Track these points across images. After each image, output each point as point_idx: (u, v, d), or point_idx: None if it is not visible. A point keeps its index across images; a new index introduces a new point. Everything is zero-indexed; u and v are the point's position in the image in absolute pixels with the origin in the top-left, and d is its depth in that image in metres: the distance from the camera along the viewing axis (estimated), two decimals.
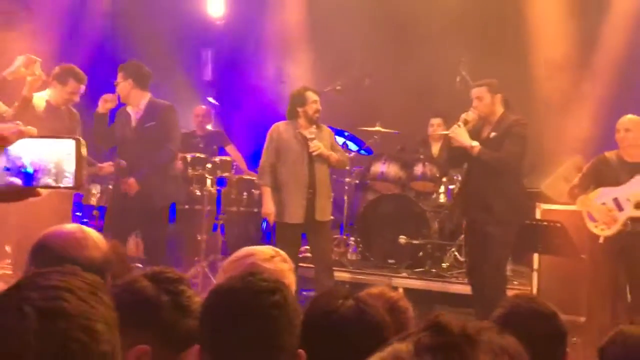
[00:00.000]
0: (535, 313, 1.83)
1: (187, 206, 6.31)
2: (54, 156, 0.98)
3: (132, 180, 4.75)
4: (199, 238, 6.06)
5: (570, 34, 6.32)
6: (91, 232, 1.76)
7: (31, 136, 0.96)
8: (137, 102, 4.90)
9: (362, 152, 6.76)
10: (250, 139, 7.48)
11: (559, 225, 4.40)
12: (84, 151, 1.00)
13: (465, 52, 6.42)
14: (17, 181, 0.97)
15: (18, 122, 0.97)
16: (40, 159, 0.98)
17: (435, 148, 6.40)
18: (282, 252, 2.03)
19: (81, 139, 1.00)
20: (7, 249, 5.14)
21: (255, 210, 6.21)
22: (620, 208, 4.58)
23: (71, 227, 1.75)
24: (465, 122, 4.52)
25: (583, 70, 6.41)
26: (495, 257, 4.51)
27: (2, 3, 5.24)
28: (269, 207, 5.09)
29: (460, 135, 4.44)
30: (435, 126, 6.27)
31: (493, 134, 4.46)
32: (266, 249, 2.07)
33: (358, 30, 7.33)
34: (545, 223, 4.57)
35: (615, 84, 6.29)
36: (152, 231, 5.02)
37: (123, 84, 4.84)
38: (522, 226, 4.66)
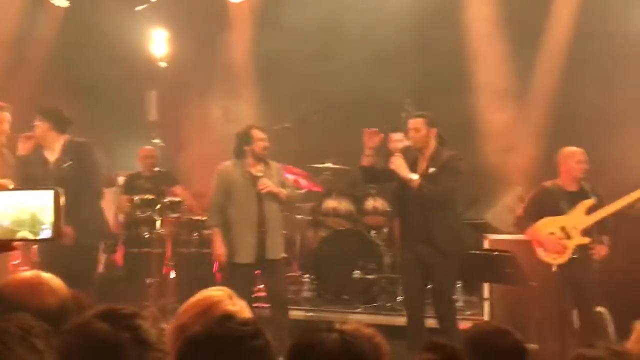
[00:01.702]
0: (497, 331, 2.03)
1: (135, 249, 6.15)
2: (30, 208, 0.95)
3: (67, 229, 4.53)
4: (148, 282, 5.88)
5: (507, 65, 6.60)
6: (50, 278, 1.70)
7: (6, 189, 0.92)
8: (52, 144, 4.83)
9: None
10: (197, 179, 7.41)
11: (508, 254, 4.52)
12: (62, 201, 0.97)
13: (407, 84, 6.60)
14: None
15: None
16: (16, 212, 0.94)
17: None
18: (233, 292, 2.03)
19: (59, 190, 0.97)
20: None
21: (207, 251, 6.10)
22: (568, 236, 4.76)
23: (29, 274, 1.68)
24: (404, 152, 4.66)
25: (521, 101, 6.69)
26: (441, 289, 4.57)
27: None
28: (219, 248, 5.02)
29: (401, 166, 4.54)
30: (396, 141, 6.30)
31: (432, 169, 4.55)
32: (223, 290, 2.06)
33: (304, 68, 7.45)
34: (495, 252, 4.69)
35: (552, 115, 6.59)
36: (83, 270, 4.80)
37: (40, 126, 4.80)
38: (472, 256, 4.77)
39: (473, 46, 6.75)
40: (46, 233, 0.96)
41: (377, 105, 6.81)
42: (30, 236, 0.95)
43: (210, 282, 6.35)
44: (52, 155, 4.83)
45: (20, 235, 0.95)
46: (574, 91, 6.44)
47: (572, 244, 4.74)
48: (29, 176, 4.73)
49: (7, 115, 4.58)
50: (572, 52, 6.56)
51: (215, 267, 6.25)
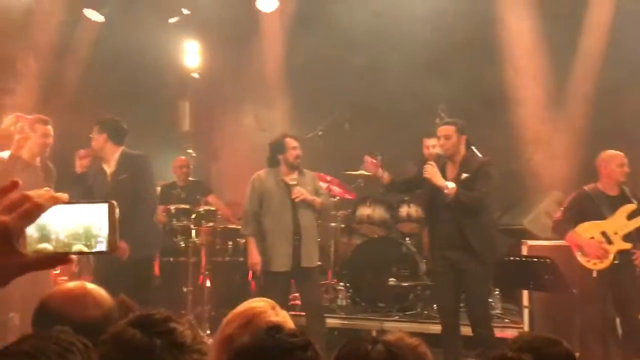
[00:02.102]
0: (548, 341, 1.95)
1: (171, 258, 6.22)
2: (85, 221, 0.96)
3: (122, 244, 4.62)
4: (184, 290, 5.93)
5: (545, 70, 6.50)
6: (95, 289, 1.71)
7: (63, 202, 0.94)
8: (110, 156, 4.87)
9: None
10: (231, 188, 7.46)
11: (549, 261, 4.43)
12: (117, 214, 0.98)
13: (443, 91, 6.54)
14: (49, 248, 0.94)
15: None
16: (71, 225, 0.95)
17: None
18: (275, 303, 2.04)
19: (114, 203, 0.98)
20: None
21: (241, 259, 6.13)
22: (609, 241, 4.65)
23: (73, 285, 1.70)
24: (436, 160, 4.62)
25: (560, 107, 6.58)
26: (476, 295, 4.50)
27: None
28: (255, 257, 5.03)
29: (435, 175, 4.49)
30: (431, 147, 6.25)
31: (465, 176, 4.50)
32: (265, 301, 2.07)
33: (335, 75, 7.46)
34: (535, 259, 4.60)
35: (590, 119, 6.46)
36: (141, 283, 4.87)
37: (97, 138, 4.85)
38: (511, 263, 4.69)
39: (514, 54, 6.67)
40: (101, 246, 0.96)
41: (411, 111, 6.77)
42: (85, 249, 0.95)
43: (244, 290, 6.39)
44: (108, 167, 4.88)
45: (75, 248, 0.95)
46: (613, 95, 6.32)
47: (613, 249, 4.64)
48: (88, 188, 4.83)
49: (50, 129, 4.67)
50: (610, 56, 6.44)
51: (250, 275, 6.28)
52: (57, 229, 0.95)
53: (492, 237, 4.63)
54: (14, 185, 0.94)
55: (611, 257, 4.64)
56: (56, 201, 0.93)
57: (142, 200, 4.82)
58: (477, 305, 4.53)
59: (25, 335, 1.43)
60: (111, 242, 0.96)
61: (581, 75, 6.63)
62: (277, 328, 1.44)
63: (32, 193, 0.92)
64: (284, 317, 2.00)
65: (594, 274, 4.66)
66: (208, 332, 5.66)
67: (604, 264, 4.65)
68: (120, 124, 4.97)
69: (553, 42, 6.52)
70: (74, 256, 0.96)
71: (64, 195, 0.94)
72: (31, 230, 0.93)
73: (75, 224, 0.96)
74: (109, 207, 0.97)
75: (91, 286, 1.74)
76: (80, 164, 4.83)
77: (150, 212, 5.02)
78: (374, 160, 4.92)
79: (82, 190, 4.80)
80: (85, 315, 1.61)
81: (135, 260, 4.64)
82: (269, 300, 2.03)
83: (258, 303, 1.99)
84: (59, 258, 0.94)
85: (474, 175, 4.47)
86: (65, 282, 1.72)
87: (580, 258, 4.74)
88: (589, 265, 4.71)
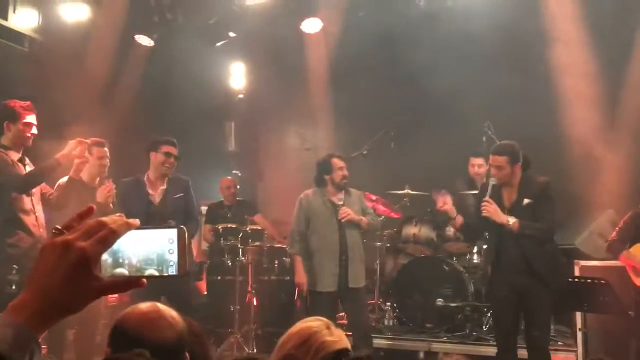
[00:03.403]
0: None
1: (219, 277, 6.30)
2: (156, 246, 1.00)
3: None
4: (232, 309, 5.99)
5: (596, 83, 6.34)
6: (166, 311, 1.75)
7: (136, 227, 0.97)
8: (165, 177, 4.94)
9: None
10: (276, 207, 7.53)
11: (603, 282, 4.30)
12: (187, 239, 1.01)
13: (490, 108, 6.46)
14: (125, 272, 0.98)
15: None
16: (143, 250, 0.99)
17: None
18: (331, 322, 2.04)
19: (184, 228, 1.01)
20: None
21: (287, 278, 6.17)
22: None
23: (146, 307, 1.74)
24: (484, 184, 4.50)
25: (613, 122, 6.41)
26: (540, 320, 4.34)
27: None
28: (301, 277, 5.05)
29: (495, 213, 4.26)
30: (477, 167, 6.19)
31: (527, 201, 4.28)
32: (321, 320, 2.08)
33: (380, 94, 7.48)
34: (589, 280, 4.46)
35: None
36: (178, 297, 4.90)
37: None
38: (565, 284, 4.54)
39: (568, 72, 6.52)
40: (172, 270, 1.00)
41: (456, 128, 6.72)
42: (157, 273, 0.99)
43: (290, 309, 6.42)
44: (157, 187, 4.93)
45: (148, 272, 0.99)
46: None
47: None
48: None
49: (106, 151, 4.83)
50: None
51: (296, 294, 6.30)
52: (129, 254, 0.99)
53: (558, 261, 4.44)
54: (90, 211, 0.98)
55: None
56: (129, 227, 0.96)
57: (194, 222, 4.93)
58: (539, 329, 4.36)
59: (106, 358, 1.48)
60: (181, 266, 1.00)
61: (635, 91, 6.46)
62: (345, 352, 1.44)
63: (107, 219, 0.96)
64: (339, 336, 2.00)
65: None
66: (254, 350, 5.69)
67: None
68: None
69: (606, 57, 6.36)
70: (144, 280, 1.00)
71: (136, 221, 0.98)
72: (105, 255, 0.97)
73: (147, 248, 0.99)
74: (179, 232, 1.01)
75: (163, 307, 1.77)
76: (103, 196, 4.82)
77: (194, 235, 5.12)
78: (445, 197, 4.56)
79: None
80: (160, 337, 1.64)
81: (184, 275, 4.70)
82: (324, 319, 2.03)
83: (313, 322, 2.00)
84: (133, 282, 0.97)
85: (537, 201, 4.27)
86: (136, 304, 1.76)
87: (635, 278, 4.60)
88: None
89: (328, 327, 1.99)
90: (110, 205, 4.58)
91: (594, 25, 6.32)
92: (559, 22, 6.44)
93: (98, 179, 4.79)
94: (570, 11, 6.39)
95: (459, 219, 4.58)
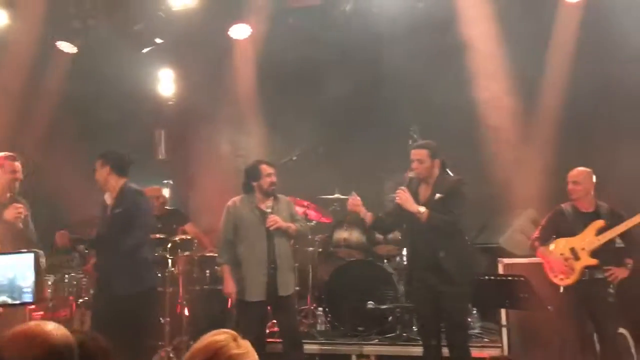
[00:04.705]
0: None
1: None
2: (9, 272, 0.96)
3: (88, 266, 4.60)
4: (162, 321, 5.86)
5: (514, 86, 6.57)
6: (46, 330, 1.70)
7: None
8: (114, 188, 4.80)
9: None
10: (208, 215, 7.42)
11: (522, 279, 4.45)
12: (42, 263, 0.97)
13: (414, 114, 6.59)
14: None
15: None
16: None
17: None
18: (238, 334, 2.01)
19: (39, 252, 0.97)
20: None
21: (220, 287, 6.06)
22: (576, 257, 4.70)
23: (26, 326, 1.70)
24: (410, 182, 4.62)
25: (530, 123, 6.66)
26: (452, 317, 4.48)
27: None
28: (229, 286, 4.99)
29: (407, 201, 4.46)
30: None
31: (438, 196, 4.49)
32: (228, 333, 2.04)
33: (309, 100, 7.50)
34: (509, 278, 4.61)
35: (562, 135, 6.55)
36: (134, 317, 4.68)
37: (100, 171, 4.83)
38: (485, 282, 4.69)
39: (486, 76, 6.72)
40: (27, 297, 0.96)
41: (381, 132, 6.82)
42: (9, 301, 0.95)
43: (224, 319, 6.33)
44: (110, 199, 4.82)
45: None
46: (583, 114, 6.42)
47: (579, 265, 4.68)
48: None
49: (18, 165, 4.63)
50: (577, 68, 6.54)
51: (230, 303, 6.22)
52: None
53: (466, 257, 4.61)
54: None
55: (577, 273, 4.68)
56: None
57: (129, 237, 4.69)
58: (454, 327, 4.52)
59: None
60: (37, 292, 0.96)
61: (552, 94, 6.72)
62: None
63: None
64: (246, 348, 1.98)
65: (561, 290, 4.71)
66: None
67: (570, 280, 4.70)
68: (124, 156, 4.95)
69: (523, 63, 6.60)
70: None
71: None
72: None
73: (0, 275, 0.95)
74: (35, 257, 0.97)
75: (47, 326, 1.72)
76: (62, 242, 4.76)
77: (136, 249, 4.79)
78: (354, 199, 4.68)
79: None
80: (25, 356, 1.61)
81: (129, 295, 4.58)
82: (231, 331, 2.00)
83: (219, 336, 1.96)
84: None
85: (447, 195, 4.48)
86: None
87: (549, 274, 4.79)
88: (556, 281, 4.76)
89: (235, 339, 1.96)
90: (20, 224, 4.37)
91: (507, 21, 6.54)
92: (475, 26, 6.65)
93: (9, 194, 4.57)
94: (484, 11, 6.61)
95: (368, 217, 4.69)
